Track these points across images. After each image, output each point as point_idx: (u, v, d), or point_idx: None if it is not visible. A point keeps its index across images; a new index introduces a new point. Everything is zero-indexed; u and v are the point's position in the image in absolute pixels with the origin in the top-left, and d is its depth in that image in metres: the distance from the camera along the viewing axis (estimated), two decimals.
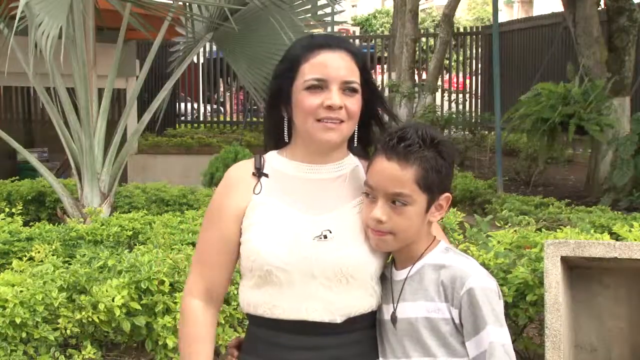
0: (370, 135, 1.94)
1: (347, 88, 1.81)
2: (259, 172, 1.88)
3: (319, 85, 1.80)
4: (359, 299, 1.80)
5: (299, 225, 1.80)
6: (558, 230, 4.30)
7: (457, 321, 1.74)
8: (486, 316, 1.71)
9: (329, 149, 1.85)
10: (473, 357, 1.72)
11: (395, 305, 1.79)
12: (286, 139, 1.91)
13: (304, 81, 1.81)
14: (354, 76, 1.82)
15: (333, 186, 1.86)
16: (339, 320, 1.78)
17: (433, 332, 1.75)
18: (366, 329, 1.82)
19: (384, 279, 1.85)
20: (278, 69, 1.90)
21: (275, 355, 1.80)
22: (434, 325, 1.75)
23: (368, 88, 1.87)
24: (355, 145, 1.90)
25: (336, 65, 1.81)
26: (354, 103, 1.82)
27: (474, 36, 15.81)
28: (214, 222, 1.89)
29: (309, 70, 1.81)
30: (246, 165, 1.92)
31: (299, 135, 1.87)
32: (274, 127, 1.93)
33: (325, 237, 1.78)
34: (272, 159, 1.91)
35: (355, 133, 1.88)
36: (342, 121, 1.81)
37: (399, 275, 1.82)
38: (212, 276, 1.88)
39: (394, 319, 1.78)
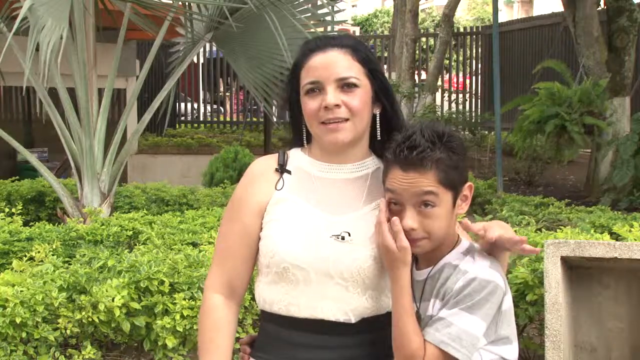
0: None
1: (344, 84, 1.80)
2: (281, 168, 1.89)
3: (316, 88, 1.81)
4: (375, 300, 1.80)
5: (318, 225, 1.80)
6: (558, 230, 4.30)
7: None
8: (459, 300, 1.69)
9: (342, 149, 1.85)
10: (428, 314, 1.73)
11: (418, 305, 1.79)
12: (305, 142, 1.91)
13: (303, 87, 1.84)
14: (351, 71, 1.81)
15: (353, 187, 1.86)
16: (353, 320, 1.78)
17: None
18: (380, 330, 1.81)
19: None
20: (287, 77, 1.94)
21: (289, 353, 1.81)
22: None
23: (376, 79, 1.86)
24: (379, 139, 1.88)
25: (328, 65, 1.81)
26: (355, 98, 1.80)
27: (474, 36, 15.81)
28: (234, 215, 1.90)
29: (305, 76, 1.84)
30: (269, 160, 1.93)
31: (314, 137, 1.89)
32: (294, 128, 1.95)
33: (343, 238, 1.78)
34: (295, 156, 1.92)
35: (378, 130, 1.87)
36: (346, 119, 1.80)
37: (420, 275, 1.81)
38: (233, 270, 1.88)
39: (417, 317, 1.78)
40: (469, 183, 1.80)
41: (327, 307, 1.77)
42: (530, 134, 8.66)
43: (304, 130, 1.90)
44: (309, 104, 1.82)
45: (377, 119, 1.88)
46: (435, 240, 1.76)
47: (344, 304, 1.78)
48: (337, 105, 1.79)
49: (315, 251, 1.77)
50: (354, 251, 1.78)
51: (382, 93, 1.87)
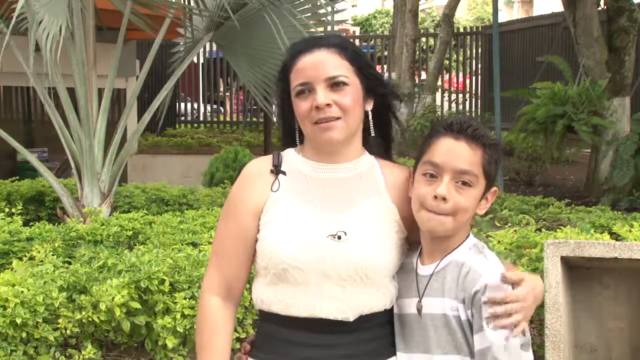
0: (390, 129, 1.96)
1: (333, 84, 1.81)
2: (276, 169, 1.90)
3: (306, 89, 1.82)
4: (373, 298, 1.81)
5: (314, 225, 1.81)
6: (558, 230, 4.30)
7: (470, 320, 1.76)
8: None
9: (336, 147, 1.86)
10: (477, 350, 1.73)
11: (420, 298, 1.81)
12: (297, 142, 1.92)
13: (293, 89, 1.85)
14: (339, 70, 1.82)
15: (348, 186, 1.87)
16: (351, 318, 1.79)
17: (453, 329, 1.77)
18: (379, 328, 1.83)
19: (409, 272, 1.85)
20: (277, 78, 1.94)
21: (288, 352, 1.82)
22: (454, 324, 1.77)
23: (366, 75, 1.86)
24: (372, 135, 1.90)
25: (316, 65, 1.82)
26: (345, 96, 1.81)
27: (474, 36, 15.82)
28: (231, 216, 1.90)
29: (294, 77, 1.85)
30: (264, 161, 1.93)
31: (307, 137, 1.89)
32: (286, 128, 1.95)
33: (340, 237, 1.79)
34: (290, 157, 1.92)
35: (371, 127, 1.89)
36: (337, 118, 1.81)
37: (425, 270, 1.82)
38: (230, 271, 1.89)
39: (419, 309, 1.79)
40: (495, 188, 1.84)
41: (326, 307, 1.78)
42: (534, 133, 8.66)
43: (297, 131, 1.91)
44: (301, 106, 1.83)
45: (370, 116, 1.89)
46: (458, 221, 1.78)
47: (342, 303, 1.78)
48: (328, 105, 1.79)
49: (313, 252, 1.78)
50: (350, 250, 1.78)
51: (374, 88, 1.89)
